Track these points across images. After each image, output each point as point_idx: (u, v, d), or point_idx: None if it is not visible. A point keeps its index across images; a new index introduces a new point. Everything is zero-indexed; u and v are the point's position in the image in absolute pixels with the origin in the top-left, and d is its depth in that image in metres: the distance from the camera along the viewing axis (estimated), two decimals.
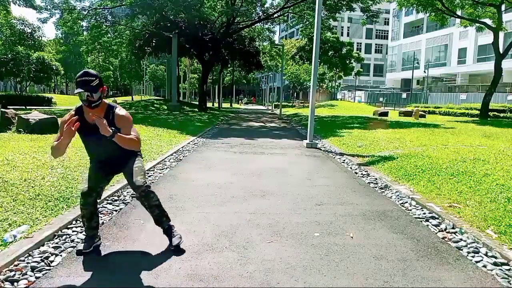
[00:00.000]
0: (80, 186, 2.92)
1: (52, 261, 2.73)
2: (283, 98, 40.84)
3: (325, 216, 3.93)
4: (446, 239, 3.36)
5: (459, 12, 22.03)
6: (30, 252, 2.81)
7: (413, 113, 21.28)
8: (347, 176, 6.12)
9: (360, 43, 69.54)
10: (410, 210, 4.23)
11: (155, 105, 24.43)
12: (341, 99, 48.34)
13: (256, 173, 6.05)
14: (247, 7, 23.82)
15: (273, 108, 38.18)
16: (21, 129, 8.30)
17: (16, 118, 8.82)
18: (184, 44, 24.41)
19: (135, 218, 3.69)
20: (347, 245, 3.17)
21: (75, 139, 2.70)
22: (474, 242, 3.24)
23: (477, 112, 22.04)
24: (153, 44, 25.44)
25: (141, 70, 53.94)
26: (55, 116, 9.61)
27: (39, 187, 4.14)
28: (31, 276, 2.50)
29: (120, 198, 4.36)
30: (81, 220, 3.09)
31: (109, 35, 25.98)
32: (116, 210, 3.93)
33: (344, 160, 7.53)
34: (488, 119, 19.94)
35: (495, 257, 2.95)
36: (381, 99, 43.85)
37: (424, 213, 4.05)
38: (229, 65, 35.82)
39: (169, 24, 22.72)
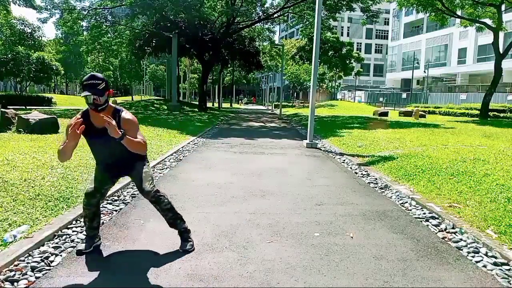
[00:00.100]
0: (86, 186, 2.93)
1: (52, 261, 2.73)
2: (283, 98, 40.82)
3: (325, 216, 3.93)
4: (446, 239, 3.36)
5: (459, 12, 22.04)
6: (30, 252, 2.81)
7: (413, 113, 21.29)
8: (347, 176, 6.12)
9: (360, 43, 69.52)
10: (410, 210, 4.23)
11: (155, 105, 24.43)
12: (341, 99, 48.36)
13: (256, 173, 6.05)
14: (247, 7, 23.83)
15: (273, 108, 38.18)
16: (21, 129, 8.30)
17: (16, 118, 8.82)
18: (184, 44, 24.41)
19: (135, 218, 3.69)
20: (347, 245, 3.17)
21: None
22: (474, 242, 3.25)
23: (477, 112, 22.05)
24: (153, 44, 25.44)
25: (141, 70, 53.92)
26: (55, 116, 9.61)
27: (39, 187, 4.14)
28: (31, 276, 2.50)
29: (120, 198, 4.36)
30: (82, 220, 3.09)
31: (109, 35, 25.97)
32: (116, 210, 3.93)
33: (344, 160, 7.53)
34: (488, 119, 19.95)
35: (495, 257, 2.95)
36: (381, 99, 43.85)
37: (424, 213, 4.06)
38: (229, 65, 35.81)
39: (169, 24, 22.72)
